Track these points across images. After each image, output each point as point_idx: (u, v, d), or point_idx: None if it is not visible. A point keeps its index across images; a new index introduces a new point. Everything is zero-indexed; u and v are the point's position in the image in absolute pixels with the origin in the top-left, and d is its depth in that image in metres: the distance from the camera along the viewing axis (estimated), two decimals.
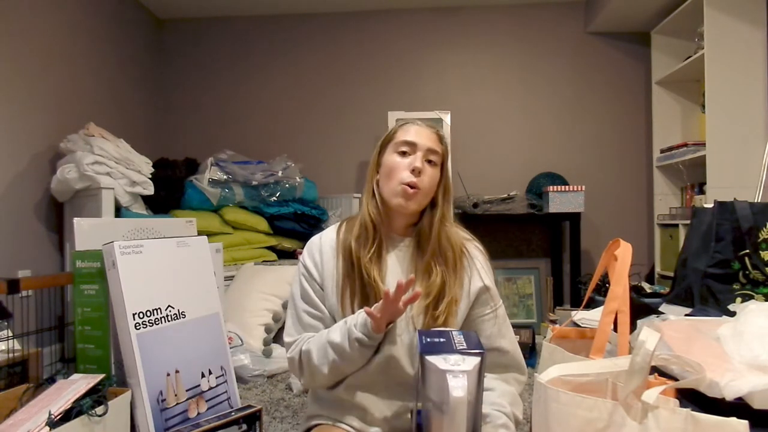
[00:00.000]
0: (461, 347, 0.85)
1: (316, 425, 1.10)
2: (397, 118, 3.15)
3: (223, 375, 1.58)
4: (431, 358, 0.83)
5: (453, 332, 0.92)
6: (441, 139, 1.14)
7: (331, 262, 1.12)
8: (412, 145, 1.10)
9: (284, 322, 1.28)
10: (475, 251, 1.15)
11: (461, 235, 1.17)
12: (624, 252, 0.95)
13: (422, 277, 1.08)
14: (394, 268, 1.11)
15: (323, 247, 1.14)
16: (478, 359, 0.83)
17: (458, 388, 0.80)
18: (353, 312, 1.07)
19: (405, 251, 1.13)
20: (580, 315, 1.25)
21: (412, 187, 1.07)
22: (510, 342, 1.11)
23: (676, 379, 0.79)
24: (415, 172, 1.07)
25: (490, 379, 1.07)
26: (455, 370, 0.81)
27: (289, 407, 1.95)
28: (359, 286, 1.07)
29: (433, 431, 0.83)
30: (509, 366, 1.10)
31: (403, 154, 1.10)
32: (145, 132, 3.50)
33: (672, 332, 0.93)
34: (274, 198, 3.10)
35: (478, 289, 1.10)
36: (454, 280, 1.08)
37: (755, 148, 2.49)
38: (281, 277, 2.69)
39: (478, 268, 1.12)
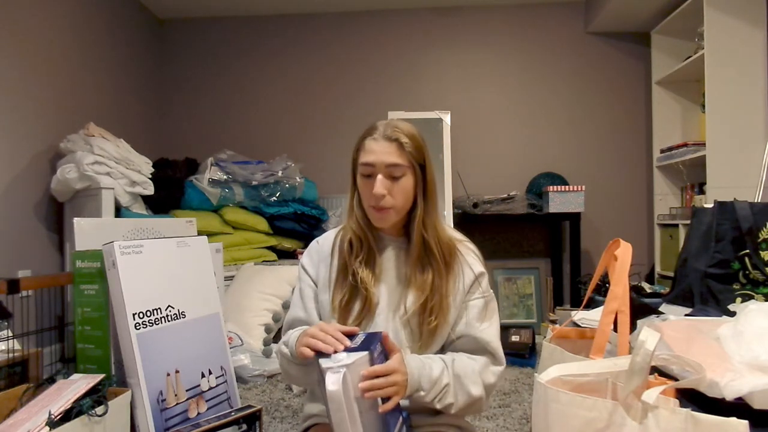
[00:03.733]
0: (352, 346, 0.89)
1: (314, 425, 1.10)
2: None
3: (223, 375, 1.58)
4: (321, 360, 0.87)
5: (361, 334, 0.95)
6: (403, 146, 1.06)
7: (327, 260, 1.15)
8: (371, 167, 1.06)
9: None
10: (466, 250, 1.15)
11: (453, 235, 1.16)
12: (624, 252, 0.96)
13: (413, 277, 1.09)
14: (388, 268, 1.12)
15: (321, 247, 1.17)
16: (362, 354, 0.86)
17: (333, 382, 0.82)
18: (341, 305, 1.08)
19: (398, 251, 1.14)
20: (580, 315, 1.25)
21: (378, 210, 1.07)
22: (483, 331, 1.08)
23: (676, 379, 0.79)
24: (377, 197, 1.05)
25: (458, 353, 1.07)
26: (334, 366, 0.84)
27: (289, 407, 1.95)
28: (350, 282, 1.09)
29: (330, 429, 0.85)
30: (479, 350, 1.08)
31: (367, 177, 1.08)
32: (145, 132, 3.50)
33: (672, 332, 0.93)
34: (274, 198, 3.10)
35: (470, 281, 1.11)
36: (445, 280, 1.08)
37: (755, 148, 2.49)
38: (281, 277, 2.69)
39: (470, 263, 1.13)
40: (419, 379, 0.96)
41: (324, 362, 0.86)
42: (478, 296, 1.11)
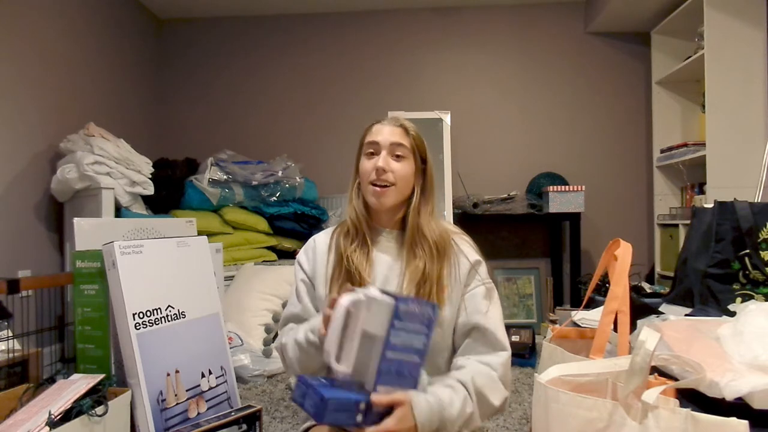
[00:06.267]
0: (390, 293, 0.90)
1: (314, 425, 1.10)
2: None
3: (223, 375, 1.58)
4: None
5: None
6: (407, 130, 1.15)
7: (323, 258, 1.17)
8: (376, 145, 1.13)
9: None
10: (461, 241, 1.17)
11: (447, 228, 1.18)
12: (624, 252, 0.96)
13: (406, 264, 1.11)
14: (381, 260, 1.14)
15: (317, 246, 1.20)
16: (386, 297, 0.87)
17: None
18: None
19: (393, 243, 1.16)
20: (580, 315, 1.25)
21: (379, 185, 1.10)
22: (487, 318, 1.08)
23: (676, 379, 0.79)
24: (379, 171, 1.10)
25: (470, 360, 1.06)
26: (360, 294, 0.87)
27: (289, 407, 1.95)
28: (345, 274, 1.11)
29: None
30: (486, 344, 1.07)
31: (371, 155, 1.14)
32: (145, 132, 3.50)
33: (672, 332, 0.93)
34: (274, 198, 3.10)
35: (467, 270, 1.12)
36: (437, 266, 1.09)
37: (755, 148, 2.49)
38: (281, 277, 2.69)
39: (465, 253, 1.14)
40: (439, 421, 0.93)
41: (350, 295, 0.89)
42: (477, 284, 1.11)
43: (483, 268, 1.14)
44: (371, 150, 1.13)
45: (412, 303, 0.88)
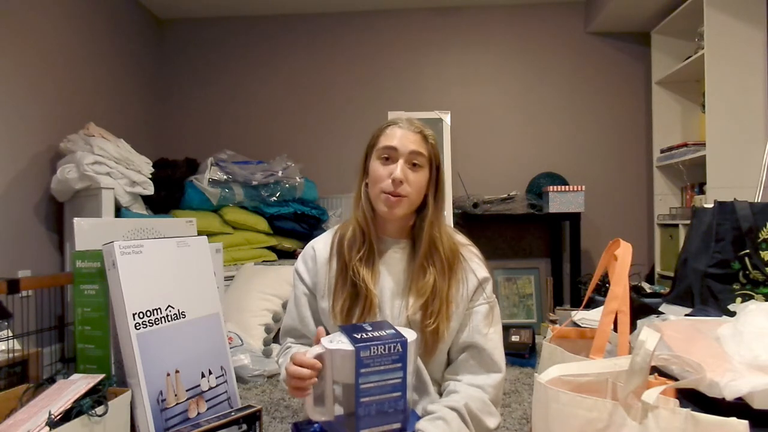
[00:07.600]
0: (356, 337, 0.90)
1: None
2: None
3: (223, 375, 1.58)
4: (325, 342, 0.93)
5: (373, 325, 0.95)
6: (426, 138, 1.10)
7: (324, 267, 1.13)
8: (394, 151, 1.07)
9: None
10: (470, 255, 1.14)
11: (457, 239, 1.15)
12: (624, 252, 0.95)
13: (415, 278, 1.08)
14: (387, 271, 1.11)
15: (317, 255, 1.15)
16: (347, 347, 0.87)
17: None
18: (342, 312, 1.07)
19: (401, 254, 1.12)
20: (580, 315, 1.25)
21: (394, 195, 1.05)
22: (486, 340, 1.07)
23: (676, 379, 0.79)
24: (396, 182, 1.05)
25: (462, 384, 1.05)
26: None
27: (289, 407, 1.95)
28: (349, 286, 1.07)
29: None
30: (480, 364, 1.07)
31: (386, 160, 1.08)
32: (145, 132, 3.50)
33: (672, 332, 0.93)
34: (274, 198, 3.10)
35: (474, 287, 1.10)
36: (447, 283, 1.07)
37: (755, 148, 2.49)
38: (281, 277, 2.69)
39: (474, 269, 1.11)
40: None
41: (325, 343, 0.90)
42: (482, 302, 1.10)
43: (489, 285, 1.12)
44: (387, 155, 1.07)
45: (376, 345, 0.85)
